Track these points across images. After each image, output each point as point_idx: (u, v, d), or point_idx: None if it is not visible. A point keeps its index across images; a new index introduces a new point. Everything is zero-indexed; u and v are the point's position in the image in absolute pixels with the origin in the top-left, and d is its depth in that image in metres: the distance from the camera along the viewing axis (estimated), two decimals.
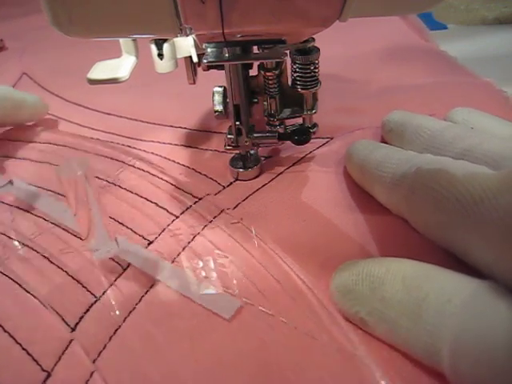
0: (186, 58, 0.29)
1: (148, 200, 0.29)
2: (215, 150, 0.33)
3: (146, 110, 0.38)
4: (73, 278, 0.24)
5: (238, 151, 0.30)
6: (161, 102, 0.39)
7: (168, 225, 0.27)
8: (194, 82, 0.30)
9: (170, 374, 0.20)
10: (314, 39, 0.27)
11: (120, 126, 0.37)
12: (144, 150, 0.33)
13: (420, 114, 0.29)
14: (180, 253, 0.25)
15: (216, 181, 0.30)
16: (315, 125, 0.30)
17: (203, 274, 0.24)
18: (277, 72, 0.28)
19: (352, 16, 0.21)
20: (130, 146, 0.34)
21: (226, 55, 0.24)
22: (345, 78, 0.40)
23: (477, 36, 0.50)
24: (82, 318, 0.22)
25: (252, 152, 0.30)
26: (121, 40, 0.28)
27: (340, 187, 0.28)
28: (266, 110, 0.30)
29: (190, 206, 0.28)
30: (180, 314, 0.22)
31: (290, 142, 0.29)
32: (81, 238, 0.24)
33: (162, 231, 0.27)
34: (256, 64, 0.28)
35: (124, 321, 0.22)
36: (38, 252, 0.26)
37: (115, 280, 0.24)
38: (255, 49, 0.25)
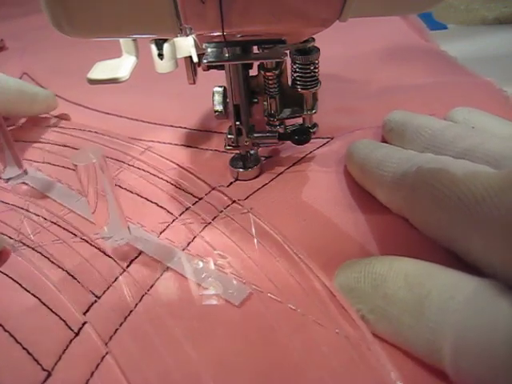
0: (185, 58, 0.29)
1: (148, 200, 0.29)
2: (215, 150, 0.33)
3: (146, 109, 0.38)
4: (85, 263, 0.25)
5: (238, 151, 0.30)
6: (161, 101, 0.39)
7: (168, 225, 0.27)
8: (194, 82, 0.30)
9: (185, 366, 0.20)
10: (313, 39, 0.27)
11: (120, 125, 0.37)
12: (144, 150, 0.33)
13: (420, 113, 0.29)
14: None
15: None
16: (315, 125, 0.30)
17: (203, 275, 0.24)
18: (277, 72, 0.28)
19: (352, 16, 0.21)
20: (129, 146, 0.34)
21: (226, 55, 0.24)
22: (345, 78, 0.40)
23: (477, 36, 0.50)
24: (93, 303, 0.23)
25: (252, 152, 0.30)
26: (121, 40, 0.28)
27: (340, 187, 0.28)
28: (266, 110, 0.30)
29: (190, 206, 0.28)
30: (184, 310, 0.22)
31: (290, 141, 0.29)
32: (95, 224, 0.25)
33: (163, 231, 0.27)
34: (256, 64, 0.28)
35: (135, 307, 0.22)
36: (51, 239, 0.27)
37: (127, 266, 0.24)
38: (255, 49, 0.25)
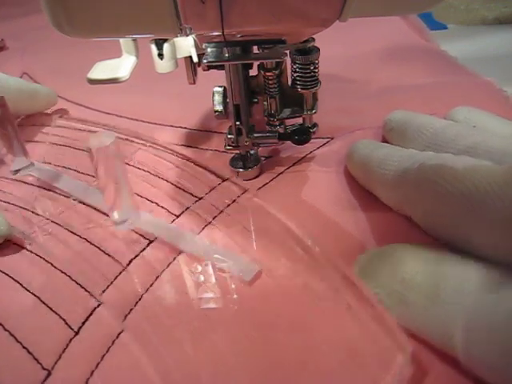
0: (185, 58, 0.29)
1: (148, 200, 0.29)
2: (215, 150, 0.33)
3: (146, 109, 0.38)
4: (99, 248, 0.25)
5: (238, 151, 0.30)
6: (161, 101, 0.39)
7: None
8: (194, 82, 0.30)
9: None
10: (313, 39, 0.27)
11: (120, 125, 0.37)
12: (144, 150, 0.33)
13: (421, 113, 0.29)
14: (180, 252, 0.25)
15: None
16: (315, 125, 0.30)
17: (201, 278, 0.24)
18: (277, 72, 0.28)
19: (352, 16, 0.21)
20: (130, 145, 0.34)
21: (226, 55, 0.24)
22: (345, 78, 0.40)
23: (477, 36, 0.50)
24: (108, 286, 0.23)
25: (252, 152, 0.30)
26: (121, 40, 0.28)
27: (341, 187, 0.28)
28: (265, 110, 0.30)
29: (190, 206, 0.28)
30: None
31: (290, 141, 0.29)
32: (106, 214, 0.26)
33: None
34: (256, 64, 0.28)
35: (146, 291, 0.23)
36: (62, 227, 0.27)
37: (141, 251, 0.25)
38: (255, 49, 0.25)
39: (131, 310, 0.22)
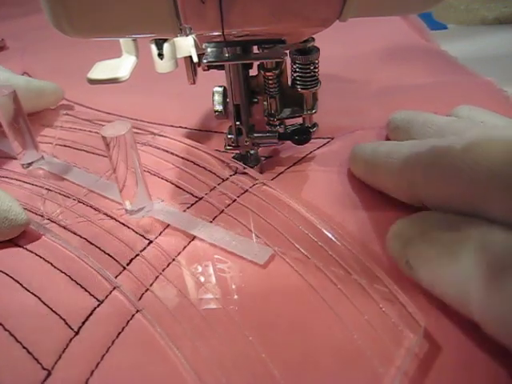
0: (185, 57, 0.29)
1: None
2: (215, 150, 0.33)
3: (146, 109, 0.38)
4: (110, 234, 0.26)
5: (238, 151, 0.30)
6: (161, 101, 0.39)
7: (168, 224, 0.27)
8: (194, 82, 0.30)
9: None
10: (313, 39, 0.27)
11: None
12: (144, 150, 0.33)
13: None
14: (180, 252, 0.25)
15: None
16: (315, 125, 0.31)
17: (202, 279, 0.24)
18: (277, 72, 0.28)
19: (352, 16, 0.21)
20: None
21: (226, 55, 0.24)
22: (345, 78, 0.40)
23: (477, 36, 0.50)
24: (123, 270, 0.24)
25: (252, 152, 0.30)
26: (121, 40, 0.28)
27: (341, 186, 0.28)
28: (265, 110, 0.30)
29: (190, 205, 0.28)
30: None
31: (290, 141, 0.29)
32: (119, 203, 0.26)
33: (163, 230, 0.27)
34: (256, 64, 0.28)
35: (155, 280, 0.23)
36: (75, 217, 0.28)
37: (156, 238, 0.26)
38: (255, 49, 0.25)
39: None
